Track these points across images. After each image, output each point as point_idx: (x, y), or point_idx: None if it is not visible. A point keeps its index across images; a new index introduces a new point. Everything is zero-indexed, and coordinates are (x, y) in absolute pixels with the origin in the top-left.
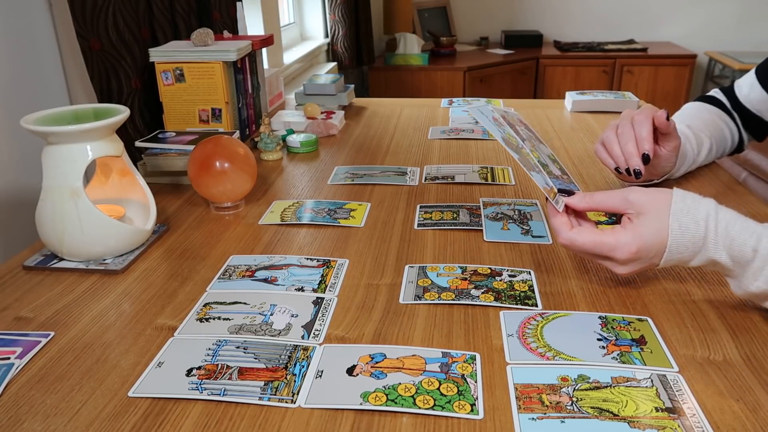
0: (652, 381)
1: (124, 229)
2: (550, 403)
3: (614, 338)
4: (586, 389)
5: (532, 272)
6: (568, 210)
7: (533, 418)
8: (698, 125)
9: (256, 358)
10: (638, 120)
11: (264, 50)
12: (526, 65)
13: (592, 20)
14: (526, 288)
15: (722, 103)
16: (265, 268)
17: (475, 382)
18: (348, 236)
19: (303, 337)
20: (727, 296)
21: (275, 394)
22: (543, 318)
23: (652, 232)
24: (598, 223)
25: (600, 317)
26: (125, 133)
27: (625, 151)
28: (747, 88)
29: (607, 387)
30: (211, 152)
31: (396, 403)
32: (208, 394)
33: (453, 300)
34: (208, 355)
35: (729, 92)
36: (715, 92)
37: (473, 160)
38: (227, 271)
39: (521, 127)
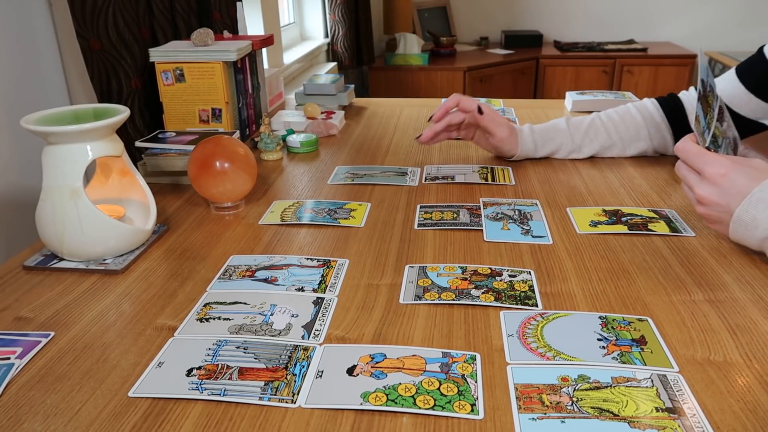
0: (652, 381)
1: (124, 229)
2: (551, 403)
3: (614, 338)
4: (586, 389)
5: (532, 272)
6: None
7: (533, 418)
8: (599, 122)
9: (256, 358)
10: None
11: (264, 50)
12: (526, 65)
13: (592, 20)
14: (526, 288)
15: (672, 106)
16: (265, 268)
17: (476, 382)
18: (348, 236)
19: (303, 337)
20: (727, 296)
21: (275, 394)
22: (543, 318)
23: (746, 171)
24: (597, 223)
25: (600, 317)
26: (125, 133)
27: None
28: (724, 83)
29: (607, 387)
30: (211, 152)
31: (396, 403)
32: (208, 394)
33: (453, 300)
34: (208, 355)
35: None
36: (684, 93)
37: (473, 160)
38: (227, 271)
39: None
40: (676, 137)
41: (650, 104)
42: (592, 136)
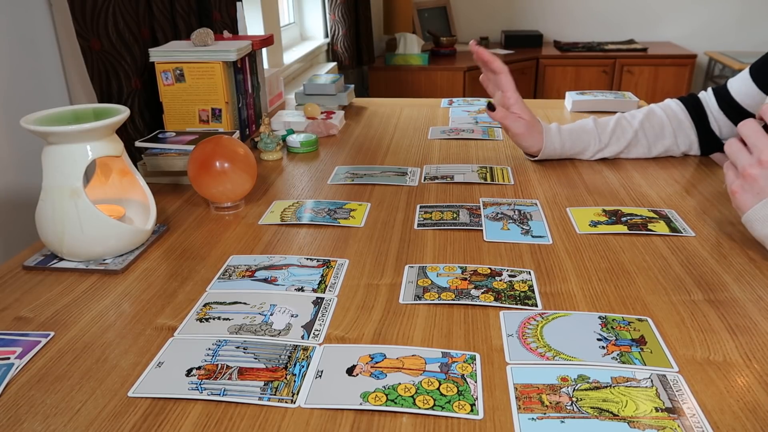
0: (652, 381)
1: (124, 229)
2: (550, 403)
3: (614, 338)
4: (585, 389)
5: (532, 272)
6: None
7: (533, 418)
8: (626, 122)
9: (256, 358)
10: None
11: (264, 50)
12: (526, 65)
13: (592, 20)
14: (526, 288)
15: (695, 105)
16: (265, 268)
17: (475, 382)
18: (348, 236)
19: (303, 337)
20: (727, 296)
21: (275, 394)
22: (543, 318)
23: None
24: (597, 223)
25: (600, 317)
26: (125, 133)
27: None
28: (738, 82)
29: (606, 387)
30: (211, 152)
31: (396, 403)
32: (208, 394)
33: (453, 300)
34: (208, 355)
35: (720, 90)
36: (703, 93)
37: (473, 160)
38: (227, 271)
39: None
40: (700, 136)
41: (673, 103)
42: (619, 135)
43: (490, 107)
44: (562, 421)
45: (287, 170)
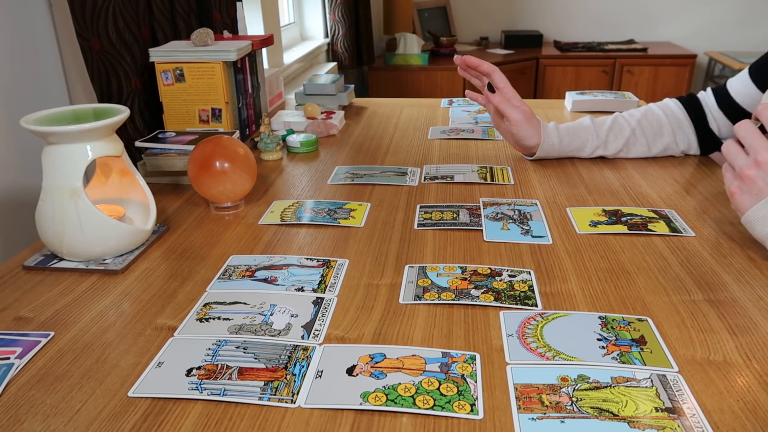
0: (652, 381)
1: (124, 229)
2: (550, 403)
3: (614, 338)
4: (585, 389)
5: (532, 272)
6: None
7: (533, 418)
8: (623, 120)
9: (256, 358)
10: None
11: (264, 50)
12: (526, 65)
13: (592, 20)
14: (526, 288)
15: (693, 105)
16: (265, 268)
17: (475, 382)
18: (348, 236)
19: (303, 337)
20: (727, 296)
21: (275, 394)
22: (543, 318)
23: None
24: (597, 223)
25: (600, 317)
26: (125, 133)
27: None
28: (737, 82)
29: (606, 387)
30: (211, 152)
31: (396, 403)
32: (208, 394)
33: (453, 300)
34: (208, 355)
35: (720, 90)
36: (702, 93)
37: (473, 160)
38: (227, 271)
39: None
40: (699, 135)
41: (671, 102)
42: (617, 132)
43: (490, 89)
44: (562, 421)
45: (287, 170)
